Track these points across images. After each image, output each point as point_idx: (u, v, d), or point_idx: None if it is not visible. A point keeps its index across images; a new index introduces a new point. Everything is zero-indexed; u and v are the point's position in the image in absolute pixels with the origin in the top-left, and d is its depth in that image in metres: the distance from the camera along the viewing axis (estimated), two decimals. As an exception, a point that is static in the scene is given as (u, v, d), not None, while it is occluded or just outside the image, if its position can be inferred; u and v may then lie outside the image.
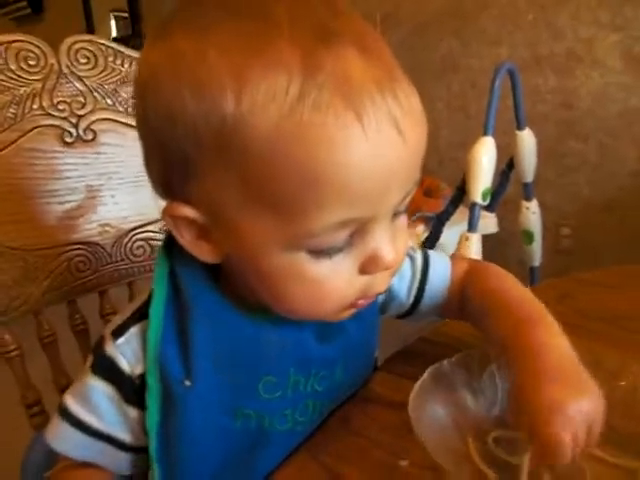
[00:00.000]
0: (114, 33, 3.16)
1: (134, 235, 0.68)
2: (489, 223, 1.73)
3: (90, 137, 0.64)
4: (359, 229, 0.35)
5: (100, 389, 0.41)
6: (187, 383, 0.39)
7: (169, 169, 0.36)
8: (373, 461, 0.39)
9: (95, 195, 0.65)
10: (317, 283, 0.36)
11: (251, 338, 0.41)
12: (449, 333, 0.55)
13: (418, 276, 0.51)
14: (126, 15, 3.02)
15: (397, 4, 2.16)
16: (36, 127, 0.60)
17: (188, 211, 0.36)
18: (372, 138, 0.31)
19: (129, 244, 0.68)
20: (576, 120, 1.82)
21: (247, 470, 0.42)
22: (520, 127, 1.55)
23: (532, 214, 1.69)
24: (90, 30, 3.11)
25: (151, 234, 0.70)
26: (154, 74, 0.34)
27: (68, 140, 0.63)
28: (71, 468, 0.42)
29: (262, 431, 0.42)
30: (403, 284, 0.51)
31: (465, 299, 0.49)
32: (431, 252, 0.53)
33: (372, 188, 0.33)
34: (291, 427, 0.43)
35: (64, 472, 0.42)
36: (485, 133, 1.40)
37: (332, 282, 0.36)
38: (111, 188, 0.66)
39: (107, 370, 0.41)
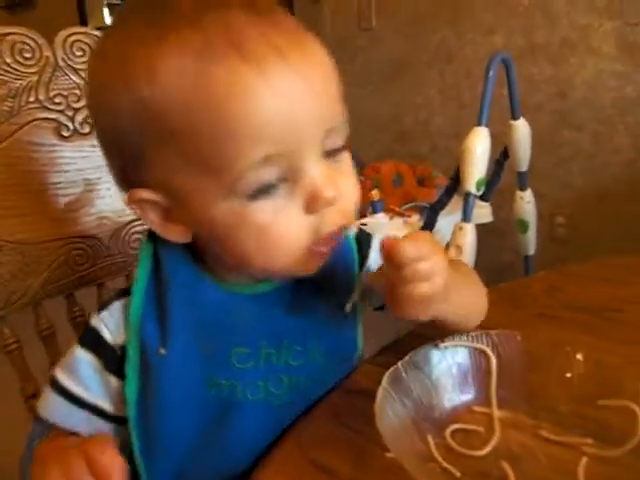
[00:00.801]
0: (108, 21, 3.13)
1: (131, 228, 0.68)
2: (484, 212, 1.74)
3: (87, 130, 0.64)
4: (290, 168, 0.38)
5: (85, 359, 0.44)
6: (162, 351, 0.42)
7: (123, 161, 0.41)
8: (359, 452, 0.40)
9: (93, 188, 0.65)
10: (264, 228, 0.38)
11: (223, 310, 0.44)
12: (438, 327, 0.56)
13: None
14: (120, 2, 2.99)
15: (392, -8, 2.14)
16: (33, 120, 0.60)
17: (146, 193, 0.40)
18: (267, 80, 0.35)
19: (126, 237, 0.68)
20: (570, 109, 1.82)
21: (222, 440, 0.44)
22: (515, 117, 1.55)
23: (527, 203, 1.70)
24: (82, 18, 3.07)
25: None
26: (94, 80, 0.41)
27: (65, 134, 0.63)
28: (58, 436, 0.44)
29: (235, 400, 0.43)
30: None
31: None
32: None
33: (278, 124, 0.36)
34: (264, 398, 0.44)
35: (51, 439, 0.44)
36: (479, 123, 1.40)
37: (278, 225, 0.39)
38: (108, 181, 0.66)
39: (91, 340, 0.44)
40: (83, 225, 0.65)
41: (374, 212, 1.58)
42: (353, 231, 0.52)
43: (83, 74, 0.64)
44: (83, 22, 3.03)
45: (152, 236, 0.45)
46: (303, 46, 0.38)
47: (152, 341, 0.42)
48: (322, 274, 0.45)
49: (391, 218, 1.60)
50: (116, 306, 0.45)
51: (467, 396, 0.42)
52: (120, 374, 0.44)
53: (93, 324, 0.45)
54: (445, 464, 0.37)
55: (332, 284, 0.47)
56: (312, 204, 0.39)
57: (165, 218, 0.41)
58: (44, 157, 0.62)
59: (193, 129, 0.36)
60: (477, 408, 0.41)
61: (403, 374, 0.39)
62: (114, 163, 0.43)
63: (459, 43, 2.02)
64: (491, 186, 1.64)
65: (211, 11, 0.36)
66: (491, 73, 1.41)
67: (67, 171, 0.64)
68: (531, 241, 1.75)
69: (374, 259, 0.51)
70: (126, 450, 0.44)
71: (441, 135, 2.12)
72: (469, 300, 0.48)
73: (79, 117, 0.64)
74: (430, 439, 0.38)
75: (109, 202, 0.67)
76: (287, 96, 0.36)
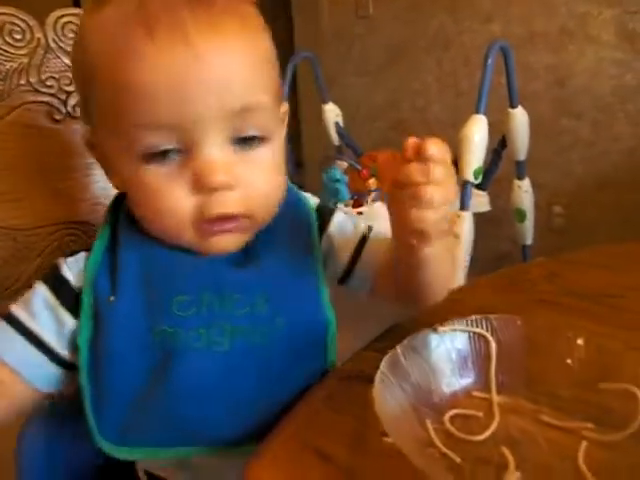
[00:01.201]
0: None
1: (126, 214, 0.67)
2: (481, 201, 1.74)
3: (79, 114, 0.63)
4: (186, 141, 0.40)
5: (41, 293, 0.46)
6: (111, 299, 0.44)
7: (82, 104, 0.49)
8: (356, 437, 0.39)
9: (86, 173, 0.64)
10: (152, 193, 0.42)
11: (167, 261, 0.46)
12: (438, 313, 0.56)
13: (358, 237, 0.52)
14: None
15: (391, -21, 2.12)
16: (24, 103, 0.59)
17: (89, 134, 0.47)
18: (161, 51, 0.38)
19: (121, 223, 0.67)
20: (570, 97, 1.81)
21: (167, 386, 0.44)
22: (513, 105, 1.55)
23: (524, 192, 1.70)
24: (76, 1, 3.04)
25: (143, 213, 0.69)
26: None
27: (57, 117, 0.62)
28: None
29: (178, 347, 0.44)
30: (342, 242, 0.52)
31: None
32: (380, 230, 0.54)
33: (165, 94, 0.39)
34: (206, 345, 0.44)
35: None
36: (477, 111, 1.39)
37: (164, 194, 0.41)
38: (102, 166, 0.65)
39: (52, 278, 0.47)
40: (77, 210, 0.64)
41: (371, 201, 1.57)
42: (314, 202, 0.54)
43: (75, 56, 0.63)
44: (76, 4, 3.00)
45: (118, 198, 0.49)
46: (217, 32, 0.40)
47: (104, 290, 0.45)
48: (276, 236, 0.48)
49: (388, 207, 1.59)
50: (81, 255, 0.48)
51: (466, 381, 0.41)
52: (75, 314, 0.45)
53: (58, 265, 0.47)
54: (444, 449, 0.36)
55: (288, 245, 0.49)
56: (196, 184, 0.41)
57: (105, 164, 0.47)
58: (36, 141, 0.61)
59: (106, 86, 0.41)
60: (476, 393, 0.41)
61: (401, 358, 0.39)
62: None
63: (457, 30, 2.00)
64: (489, 175, 1.63)
65: None
66: (489, 61, 1.41)
67: (60, 155, 0.62)
68: (529, 230, 1.74)
69: (337, 227, 0.52)
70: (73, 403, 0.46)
71: (438, 123, 2.11)
72: (447, 268, 0.48)
73: (71, 101, 0.63)
74: (429, 424, 0.37)
75: (103, 187, 0.65)
76: (176, 70, 0.39)
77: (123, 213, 0.48)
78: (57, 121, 0.62)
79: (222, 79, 0.40)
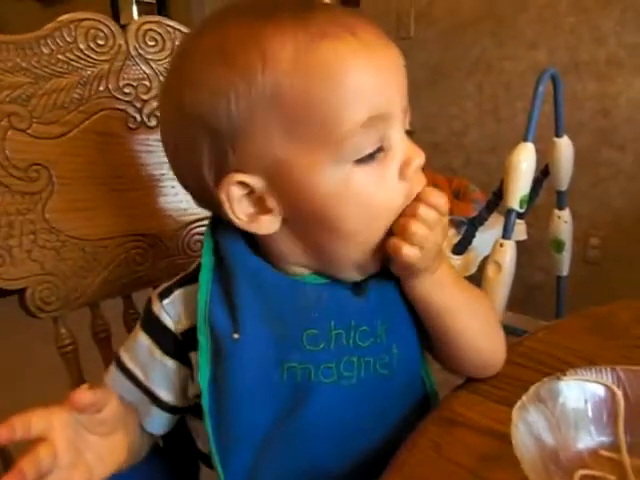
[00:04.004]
0: (136, 17, 3.12)
1: (192, 229, 0.65)
2: (519, 230, 1.70)
3: (153, 124, 0.61)
4: (385, 135, 0.40)
5: (144, 343, 0.46)
6: (235, 336, 0.42)
7: (218, 146, 0.40)
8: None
9: (155, 185, 0.62)
10: (368, 196, 0.40)
11: (289, 293, 0.43)
12: (528, 354, 0.53)
13: None
14: (152, 0, 2.98)
15: (432, 1, 2.11)
16: (102, 110, 0.58)
17: (243, 177, 0.40)
18: (366, 45, 0.39)
19: (187, 238, 0.65)
20: (613, 129, 1.78)
21: (298, 424, 0.43)
22: (559, 134, 1.52)
23: (564, 223, 1.66)
24: (115, 12, 3.07)
25: (207, 228, 0.67)
26: (188, 71, 0.41)
27: (132, 126, 0.60)
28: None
29: (308, 384, 0.43)
30: None
31: None
32: None
33: (377, 89, 0.40)
34: (336, 380, 0.44)
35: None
36: (525, 139, 1.37)
37: (380, 192, 0.41)
38: (172, 178, 0.62)
39: (152, 326, 0.46)
40: (145, 222, 0.61)
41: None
42: None
43: (154, 65, 0.61)
44: (115, 16, 3.03)
45: (213, 228, 0.45)
46: (379, 34, 0.41)
47: (223, 326, 0.42)
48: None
49: (427, 231, 1.56)
50: (177, 295, 0.46)
51: (593, 437, 0.38)
52: (179, 358, 0.46)
53: (155, 311, 0.46)
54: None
55: (380, 279, 0.46)
56: (405, 168, 0.41)
57: (255, 205, 0.41)
58: (111, 149, 0.59)
59: (301, 95, 0.38)
60: (603, 452, 0.37)
61: (529, 410, 0.35)
62: (202, 156, 0.41)
63: (499, 55, 1.98)
64: (529, 203, 1.60)
65: (316, 10, 0.40)
66: (540, 89, 1.38)
67: (131, 165, 0.61)
68: (566, 261, 1.70)
69: None
70: (187, 444, 0.49)
71: (475, 149, 2.08)
72: (476, 325, 0.48)
73: (146, 109, 0.61)
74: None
75: (171, 200, 0.63)
76: (384, 67, 0.40)
77: (228, 243, 0.44)
78: (132, 129, 0.60)
79: (403, 75, 0.42)
